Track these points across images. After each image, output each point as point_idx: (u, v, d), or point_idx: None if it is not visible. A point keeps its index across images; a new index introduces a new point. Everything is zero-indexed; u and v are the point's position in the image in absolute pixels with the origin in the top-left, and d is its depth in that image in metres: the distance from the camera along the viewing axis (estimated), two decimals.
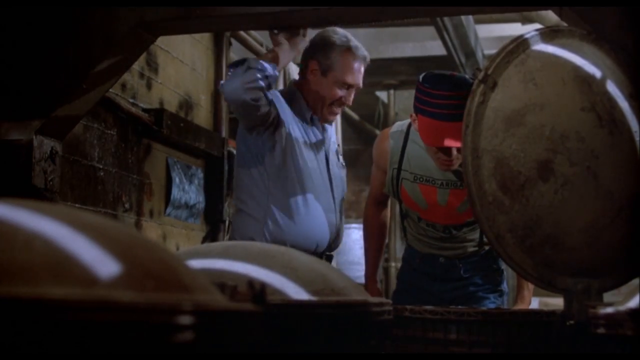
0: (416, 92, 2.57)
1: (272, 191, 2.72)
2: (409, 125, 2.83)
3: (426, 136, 2.55)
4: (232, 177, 4.88)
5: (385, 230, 3.12)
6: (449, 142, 2.46)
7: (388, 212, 3.14)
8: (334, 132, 3.04)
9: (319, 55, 2.81)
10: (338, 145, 3.04)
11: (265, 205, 2.72)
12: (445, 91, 2.43)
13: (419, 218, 2.88)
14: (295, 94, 2.86)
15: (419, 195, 2.81)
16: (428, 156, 2.72)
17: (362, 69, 2.85)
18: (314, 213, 2.74)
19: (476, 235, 2.87)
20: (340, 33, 2.85)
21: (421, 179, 2.78)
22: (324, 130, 2.90)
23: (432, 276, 2.95)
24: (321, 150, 2.85)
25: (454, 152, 2.54)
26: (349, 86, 2.81)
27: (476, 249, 2.91)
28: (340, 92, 2.80)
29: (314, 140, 2.83)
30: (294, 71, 5.69)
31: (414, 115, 2.62)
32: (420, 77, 2.54)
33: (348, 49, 2.81)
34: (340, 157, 2.99)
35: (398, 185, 2.84)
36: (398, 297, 3.01)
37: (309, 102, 2.84)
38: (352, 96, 2.86)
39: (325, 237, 2.76)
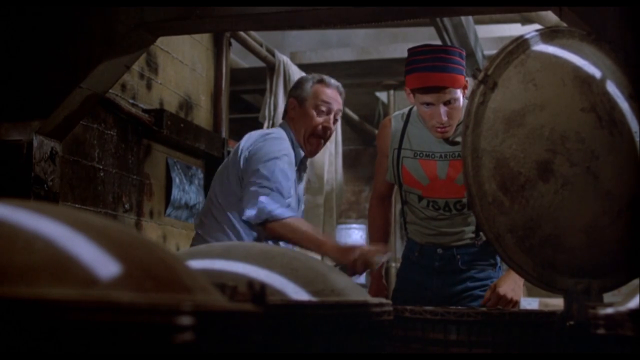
0: (407, 60, 2.85)
1: (243, 234, 2.90)
2: (410, 110, 3.02)
3: (414, 83, 2.79)
4: None
5: (389, 226, 3.19)
6: (434, 82, 2.74)
7: (392, 209, 3.19)
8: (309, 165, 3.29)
9: (295, 92, 3.07)
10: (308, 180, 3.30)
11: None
12: (426, 47, 2.83)
13: (420, 198, 2.92)
14: (291, 135, 3.04)
15: (420, 171, 2.91)
16: (427, 133, 2.89)
17: (337, 96, 3.07)
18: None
19: (473, 221, 2.91)
20: (314, 74, 3.13)
21: (421, 154, 2.91)
22: (304, 170, 3.13)
23: (430, 269, 2.97)
24: (297, 193, 3.04)
25: (444, 117, 2.77)
26: (326, 110, 3.00)
27: (473, 235, 2.94)
28: (318, 118, 2.99)
29: (296, 185, 3.02)
30: (295, 72, 5.69)
31: (407, 89, 2.85)
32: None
33: (320, 80, 3.06)
34: (302, 189, 3.17)
35: (399, 166, 2.94)
36: (397, 294, 3.03)
37: (297, 139, 3.02)
38: (334, 123, 3.05)
39: None
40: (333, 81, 3.09)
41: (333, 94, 3.05)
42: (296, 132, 3.03)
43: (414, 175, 2.91)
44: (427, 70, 2.73)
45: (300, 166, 3.07)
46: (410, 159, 2.93)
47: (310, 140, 3.02)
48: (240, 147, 2.97)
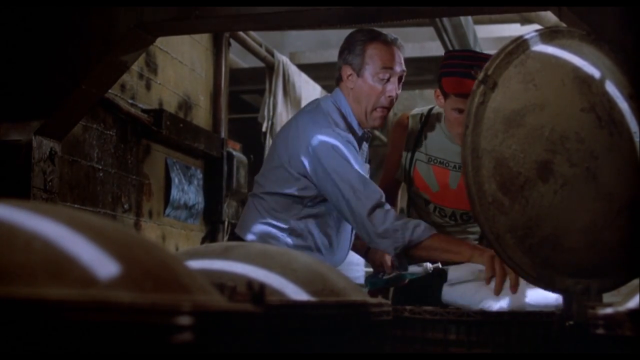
0: (441, 62, 2.77)
1: (307, 214, 2.62)
2: (429, 110, 2.94)
3: (452, 87, 2.69)
4: (232, 177, 4.92)
5: None
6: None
7: (397, 203, 3.16)
8: (366, 152, 2.87)
9: (348, 58, 2.64)
10: (369, 162, 2.90)
11: (292, 226, 2.62)
12: (467, 52, 2.75)
13: (427, 202, 2.90)
14: (346, 109, 2.67)
15: (431, 177, 2.87)
16: (445, 139, 2.84)
17: (397, 52, 2.64)
18: (337, 243, 2.69)
19: (478, 230, 2.89)
20: (363, 30, 2.69)
21: (435, 161, 2.86)
22: (361, 151, 2.74)
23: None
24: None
25: None
26: (388, 75, 2.60)
27: (476, 243, 2.92)
28: (381, 86, 2.59)
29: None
30: (294, 72, 5.69)
31: (438, 91, 2.75)
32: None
33: (373, 39, 2.62)
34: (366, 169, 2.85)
35: (411, 167, 2.89)
36: (399, 297, 3.01)
37: (355, 111, 2.64)
38: (398, 86, 2.64)
39: (341, 260, 2.74)
40: (389, 36, 2.63)
41: (392, 52, 2.61)
42: (355, 104, 2.63)
43: (425, 180, 2.87)
44: (468, 76, 2.57)
45: (359, 142, 2.69)
46: (423, 163, 2.87)
47: (373, 114, 2.62)
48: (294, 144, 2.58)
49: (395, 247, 2.43)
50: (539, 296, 2.18)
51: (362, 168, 2.54)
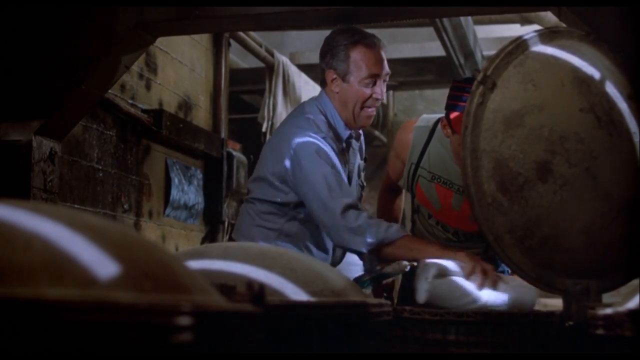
0: (450, 92, 2.62)
1: (293, 216, 2.64)
2: (436, 123, 2.81)
3: (460, 126, 2.56)
4: (231, 178, 4.92)
5: (399, 212, 3.12)
6: None
7: (402, 200, 3.13)
8: (362, 149, 2.87)
9: (331, 62, 2.62)
10: (365, 160, 2.90)
11: (281, 227, 2.65)
12: None
13: (430, 215, 2.88)
14: (332, 112, 2.67)
15: (434, 195, 2.81)
16: (450, 158, 2.74)
17: (381, 54, 2.62)
18: (330, 244, 2.69)
19: (482, 243, 2.86)
20: (344, 31, 2.66)
21: (439, 180, 2.78)
22: (352, 149, 2.76)
23: None
24: (345, 173, 2.69)
25: None
26: (374, 80, 2.60)
27: (480, 254, 2.90)
28: (368, 90, 2.60)
29: (343, 165, 2.65)
30: (294, 72, 5.69)
31: (444, 120, 2.63)
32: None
33: (356, 42, 2.59)
34: (362, 175, 2.88)
35: (414, 182, 2.84)
36: (405, 294, 3.00)
37: (342, 113, 2.65)
38: (383, 88, 2.64)
39: (327, 259, 2.73)
40: (370, 38, 2.61)
41: (377, 57, 2.60)
42: (342, 107, 2.63)
43: (427, 197, 2.82)
44: None
45: (347, 143, 2.71)
46: (426, 180, 2.80)
47: (361, 114, 2.63)
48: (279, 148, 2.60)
49: (367, 243, 2.43)
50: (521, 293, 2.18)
51: (341, 171, 2.56)
